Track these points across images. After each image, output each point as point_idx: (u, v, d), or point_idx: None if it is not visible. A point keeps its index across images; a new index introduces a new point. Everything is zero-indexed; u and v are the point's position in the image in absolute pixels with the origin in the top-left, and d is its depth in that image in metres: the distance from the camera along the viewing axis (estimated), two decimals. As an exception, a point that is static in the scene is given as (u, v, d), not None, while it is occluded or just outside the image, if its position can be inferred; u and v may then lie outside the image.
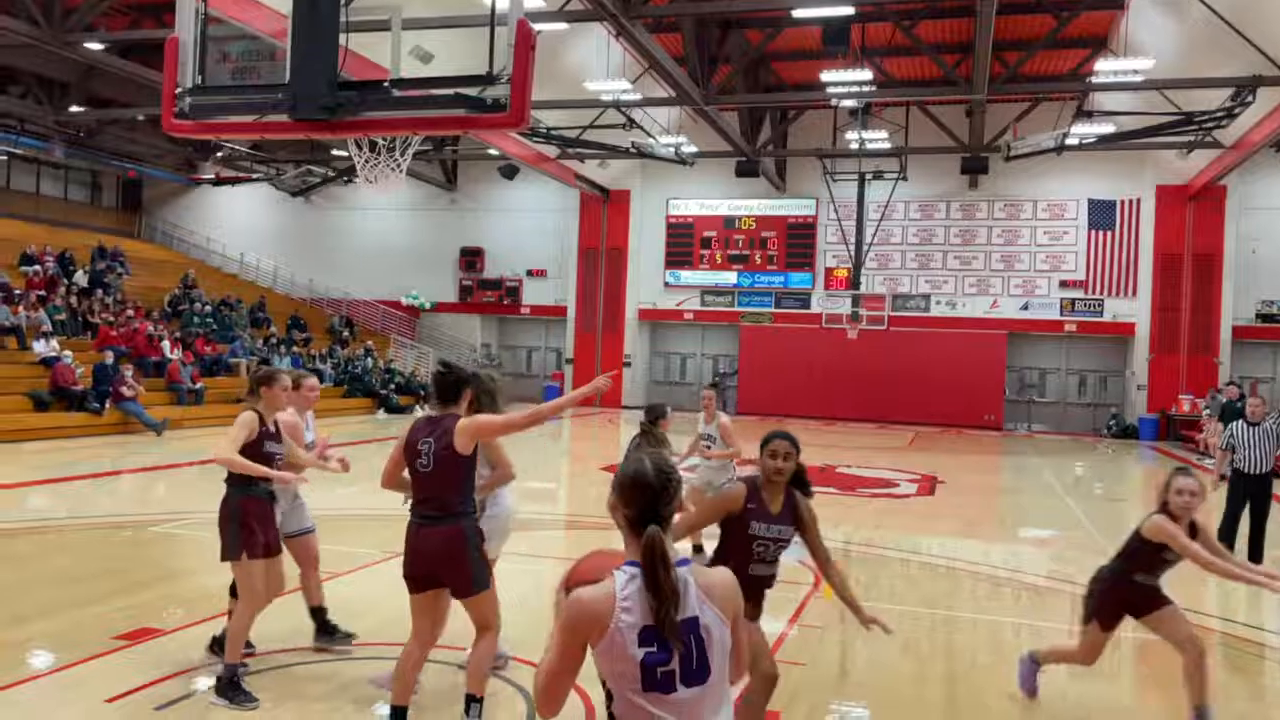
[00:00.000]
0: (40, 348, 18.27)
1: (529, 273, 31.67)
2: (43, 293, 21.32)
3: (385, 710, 4.60)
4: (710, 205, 29.69)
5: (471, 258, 32.07)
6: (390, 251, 32.30)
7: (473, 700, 4.50)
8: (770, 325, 29.12)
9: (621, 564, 2.31)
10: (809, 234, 28.99)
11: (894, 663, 6.15)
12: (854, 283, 26.20)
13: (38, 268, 22.83)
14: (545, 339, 32.35)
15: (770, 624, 6.57)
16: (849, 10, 16.85)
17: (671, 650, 2.22)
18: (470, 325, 32.38)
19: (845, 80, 19.43)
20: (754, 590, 4.15)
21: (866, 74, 19.35)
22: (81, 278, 23.61)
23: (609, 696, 2.29)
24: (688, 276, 30.07)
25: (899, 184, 25.79)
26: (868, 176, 25.61)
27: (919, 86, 24.15)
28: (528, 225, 31.33)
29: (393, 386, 26.26)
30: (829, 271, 28.84)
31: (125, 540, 8.90)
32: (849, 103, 22.48)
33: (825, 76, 19.43)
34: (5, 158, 30.42)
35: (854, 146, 24.28)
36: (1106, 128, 22.13)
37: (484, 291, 32.09)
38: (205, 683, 5.17)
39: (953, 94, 21.66)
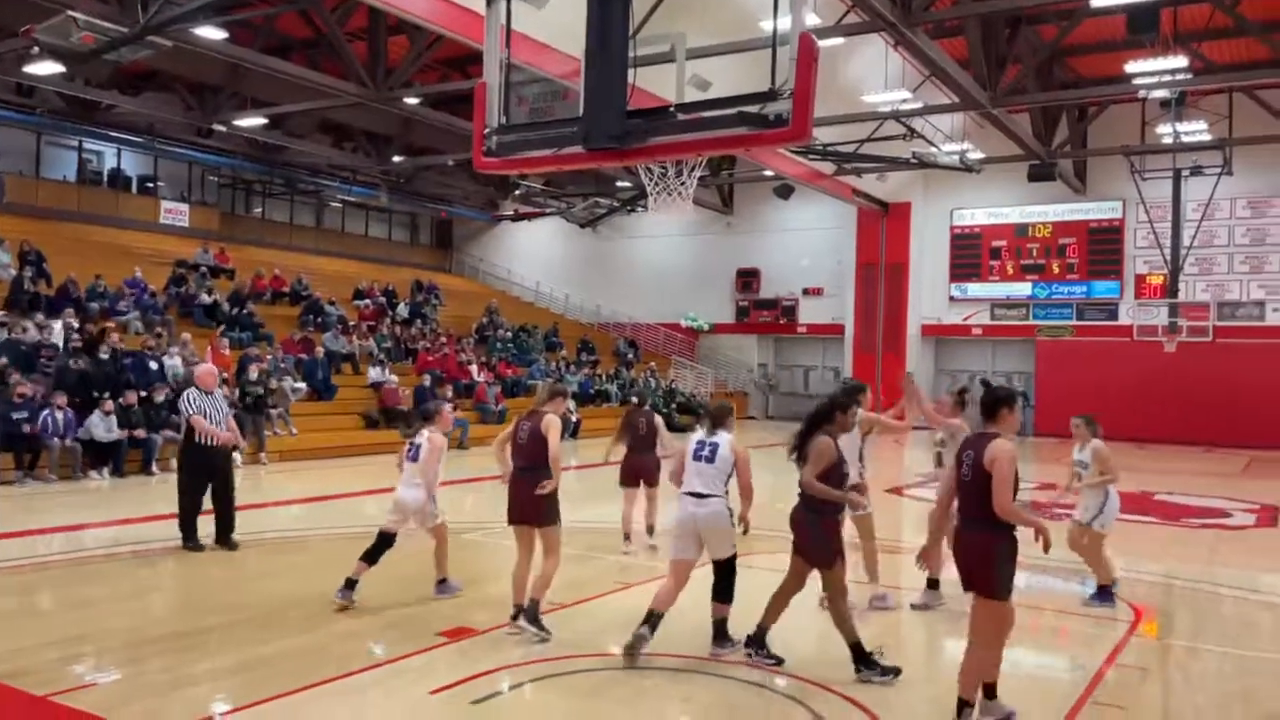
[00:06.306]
0: (372, 373, 20.49)
1: (805, 291, 31.46)
2: (372, 323, 23.98)
3: None
4: (999, 213, 28.08)
5: (748, 279, 32.37)
6: (669, 276, 33.33)
7: (963, 705, 4.85)
8: (1071, 339, 27.00)
9: None
10: (1115, 239, 26.62)
11: (1231, 714, 5.44)
12: (1171, 290, 23.72)
13: (368, 301, 25.74)
14: (823, 358, 31.91)
15: (1085, 661, 6.07)
16: (1158, -8, 15.33)
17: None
18: (747, 345, 32.65)
19: (1155, 70, 17.68)
20: None
21: (1180, 61, 17.49)
22: (403, 309, 26.34)
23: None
24: (975, 289, 28.58)
25: (1223, 179, 23.08)
26: (1184, 173, 23.14)
27: (1244, 70, 21.47)
28: (803, 244, 31.15)
29: (674, 406, 26.96)
30: (1140, 279, 26.30)
31: (441, 546, 9.73)
32: (1160, 94, 20.48)
33: (1131, 68, 17.81)
34: (341, 205, 34.63)
35: (1167, 141, 22.05)
36: None
37: (760, 311, 32.25)
38: (515, 682, 5.54)
39: (1288, 74, 19.13)
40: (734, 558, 6.07)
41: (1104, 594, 7.62)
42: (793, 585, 5.96)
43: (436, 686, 5.37)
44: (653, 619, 5.90)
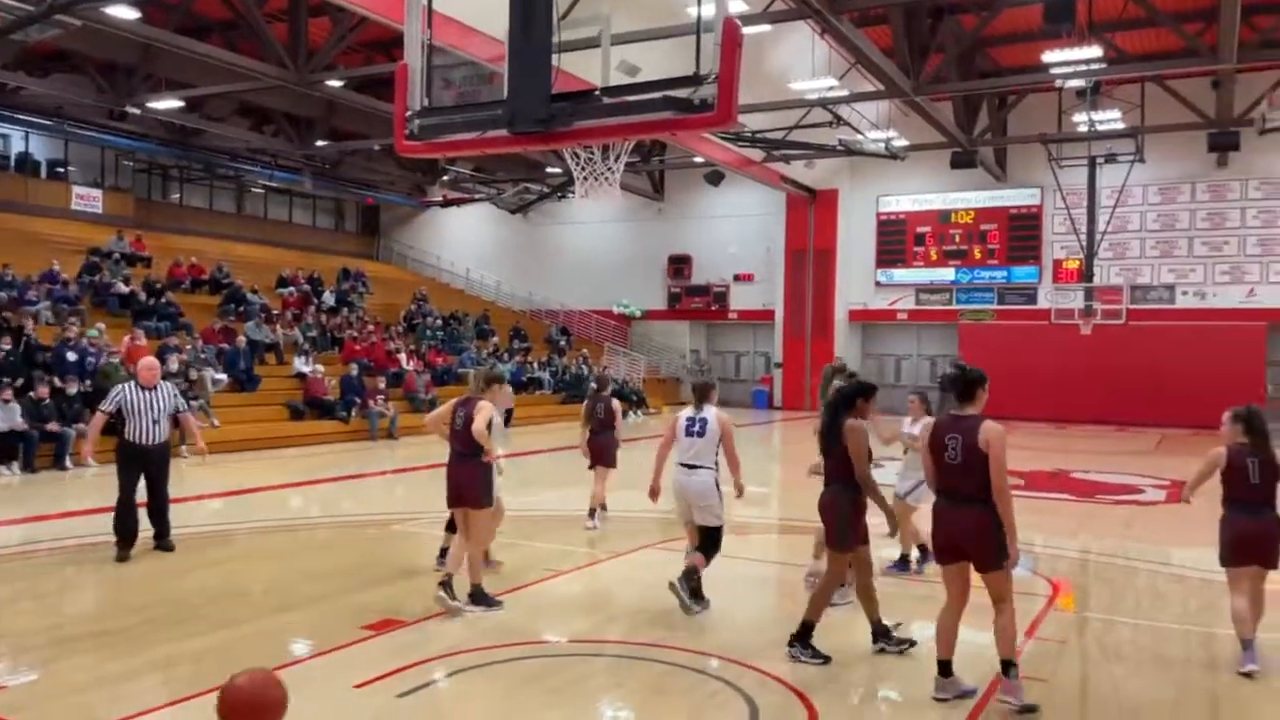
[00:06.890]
0: (297, 363, 20.06)
1: (736, 277, 31.69)
2: (296, 312, 23.46)
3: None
4: (924, 200, 28.63)
5: (679, 265, 32.48)
6: (601, 262, 33.27)
7: (1008, 664, 5.00)
8: (992, 322, 27.70)
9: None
10: (1033, 225, 27.36)
11: (1146, 681, 5.64)
12: (1086, 275, 24.46)
13: (292, 289, 25.16)
14: (754, 343, 32.23)
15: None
16: (1074, -16, 15.73)
17: None
18: (679, 331, 32.79)
19: (1071, 60, 18.16)
20: None
21: (1095, 51, 18.00)
22: (329, 297, 25.82)
23: None
24: (901, 275, 29.11)
25: (1135, 166, 23.84)
26: (1099, 160, 23.82)
27: (1156, 60, 22.18)
28: (734, 230, 31.36)
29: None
30: (1057, 263, 27.09)
31: (369, 537, 9.60)
32: (1076, 83, 21.04)
33: (1048, 57, 18.25)
34: (263, 191, 33.76)
35: (1082, 129, 22.67)
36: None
37: (692, 298, 32.40)
38: (443, 673, 5.48)
39: (1196, 65, 19.81)
40: (720, 529, 6.57)
41: (902, 563, 7.98)
42: (865, 575, 5.99)
43: (360, 680, 5.29)
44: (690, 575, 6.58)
